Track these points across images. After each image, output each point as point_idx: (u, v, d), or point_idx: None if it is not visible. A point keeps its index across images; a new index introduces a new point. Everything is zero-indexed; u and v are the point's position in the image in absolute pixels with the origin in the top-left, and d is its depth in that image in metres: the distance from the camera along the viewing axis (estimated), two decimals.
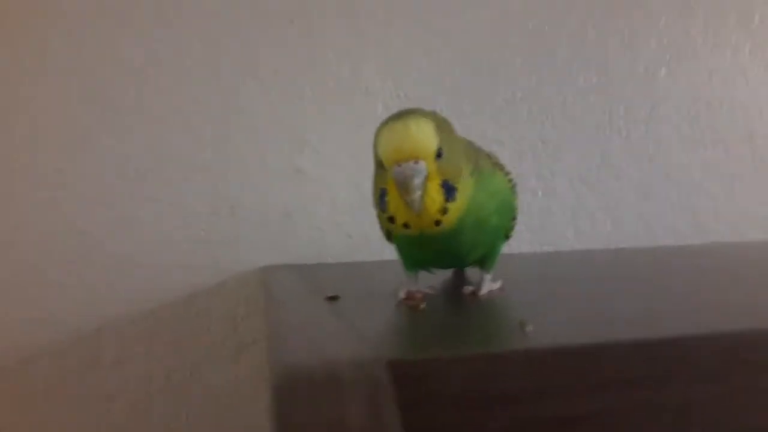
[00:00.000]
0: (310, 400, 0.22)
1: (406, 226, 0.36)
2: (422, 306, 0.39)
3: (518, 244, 0.72)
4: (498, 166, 0.42)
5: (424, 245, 0.39)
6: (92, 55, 0.59)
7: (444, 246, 0.39)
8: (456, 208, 0.36)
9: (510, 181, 0.43)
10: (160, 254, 0.61)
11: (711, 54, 0.76)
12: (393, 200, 0.36)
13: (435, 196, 0.35)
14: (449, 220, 0.36)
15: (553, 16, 0.71)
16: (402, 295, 0.41)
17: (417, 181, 0.34)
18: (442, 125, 0.37)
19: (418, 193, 0.34)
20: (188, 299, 0.62)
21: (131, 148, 0.60)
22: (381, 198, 0.37)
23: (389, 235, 0.42)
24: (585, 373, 0.26)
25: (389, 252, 0.48)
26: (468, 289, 0.44)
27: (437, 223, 0.36)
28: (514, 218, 0.44)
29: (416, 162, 0.34)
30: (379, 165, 0.36)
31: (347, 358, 0.24)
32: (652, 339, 0.29)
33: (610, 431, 0.26)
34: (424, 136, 0.35)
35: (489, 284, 0.44)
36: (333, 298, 0.41)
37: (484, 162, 0.40)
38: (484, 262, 0.44)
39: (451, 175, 0.36)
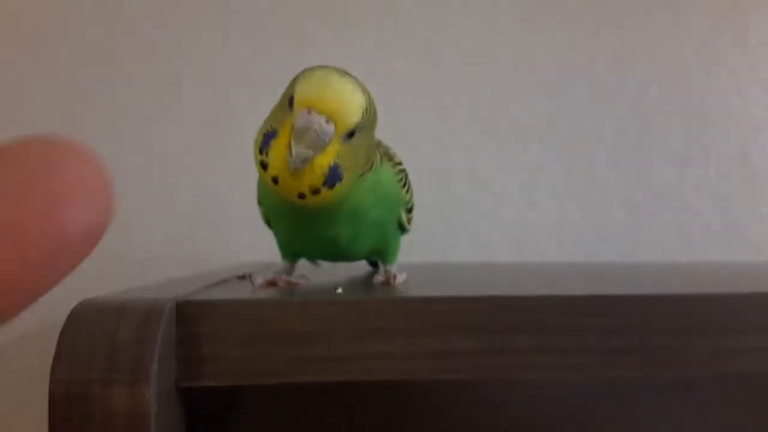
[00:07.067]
0: (91, 324, 0.25)
1: (275, 180, 0.32)
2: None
3: (499, 255, 0.74)
4: (387, 155, 0.39)
5: (294, 222, 0.37)
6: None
7: (315, 228, 0.36)
8: (329, 196, 0.32)
9: (400, 172, 0.40)
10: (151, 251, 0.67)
11: (705, 72, 0.75)
12: (277, 146, 0.31)
13: (316, 171, 0.31)
14: (315, 201, 0.32)
15: (541, 30, 0.74)
16: (259, 281, 0.38)
17: (317, 138, 0.30)
18: (371, 116, 0.33)
19: (308, 152, 0.30)
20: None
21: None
22: (266, 137, 0.32)
23: (267, 219, 0.41)
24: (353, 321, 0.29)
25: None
26: (378, 278, 0.41)
27: (301, 196, 0.32)
28: (409, 210, 0.41)
29: (328, 121, 0.30)
30: (287, 103, 0.32)
31: (143, 297, 0.28)
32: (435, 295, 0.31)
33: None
34: (350, 103, 0.31)
35: (398, 275, 0.40)
36: (241, 278, 0.45)
37: (376, 157, 0.37)
38: (382, 256, 0.41)
39: (345, 164, 0.32)
